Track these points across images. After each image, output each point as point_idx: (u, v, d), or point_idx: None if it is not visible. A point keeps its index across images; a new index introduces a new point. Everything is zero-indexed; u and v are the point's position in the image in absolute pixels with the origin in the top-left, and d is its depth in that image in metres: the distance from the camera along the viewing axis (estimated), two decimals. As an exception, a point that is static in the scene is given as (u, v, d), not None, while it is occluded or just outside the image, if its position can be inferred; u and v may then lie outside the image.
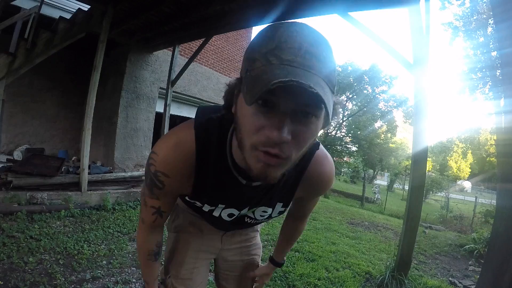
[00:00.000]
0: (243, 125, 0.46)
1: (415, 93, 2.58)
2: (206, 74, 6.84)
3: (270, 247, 3.26)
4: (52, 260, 2.19)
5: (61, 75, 5.83)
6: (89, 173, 3.86)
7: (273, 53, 0.42)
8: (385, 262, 3.04)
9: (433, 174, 19.14)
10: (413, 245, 2.63)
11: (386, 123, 17.91)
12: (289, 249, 1.02)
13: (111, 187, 4.18)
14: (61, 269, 2.08)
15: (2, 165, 3.91)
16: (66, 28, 3.92)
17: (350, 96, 16.25)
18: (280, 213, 0.78)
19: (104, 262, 2.32)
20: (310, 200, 0.85)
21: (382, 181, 24.68)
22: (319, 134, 0.53)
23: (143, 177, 4.22)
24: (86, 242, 2.60)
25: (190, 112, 6.81)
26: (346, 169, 19.61)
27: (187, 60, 5.32)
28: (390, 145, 19.37)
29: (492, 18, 6.58)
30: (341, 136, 16.36)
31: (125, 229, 3.10)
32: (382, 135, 18.42)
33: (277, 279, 2.47)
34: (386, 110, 16.63)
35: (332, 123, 0.52)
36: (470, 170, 29.81)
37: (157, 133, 5.90)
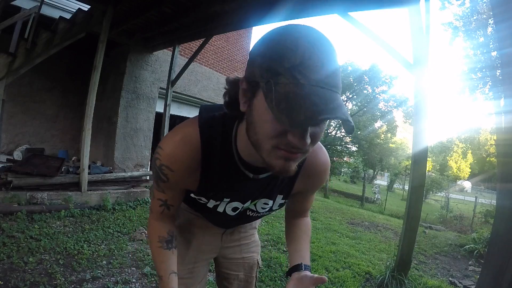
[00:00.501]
0: (262, 128, 0.48)
1: (415, 93, 2.58)
2: (206, 74, 6.84)
3: (270, 247, 3.26)
4: (52, 260, 2.19)
5: (61, 75, 5.83)
6: (89, 173, 3.87)
7: (298, 69, 0.43)
8: (385, 262, 3.04)
9: (433, 174, 19.13)
10: (413, 245, 2.63)
11: (386, 123, 17.90)
12: (308, 248, 0.88)
13: (111, 187, 4.18)
14: (61, 269, 2.08)
15: (2, 165, 3.91)
16: (66, 28, 3.92)
17: (350, 96, 16.25)
18: (281, 205, 0.80)
19: (104, 262, 2.32)
20: (307, 194, 0.85)
21: (382, 181, 24.68)
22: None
23: (143, 177, 4.21)
24: (86, 242, 2.60)
25: (190, 112, 6.81)
26: (346, 169, 19.60)
27: (187, 60, 5.32)
28: (390, 145, 19.36)
29: (492, 18, 6.58)
30: (341, 136, 16.34)
31: (125, 229, 3.10)
32: (382, 135, 18.41)
33: (277, 279, 2.47)
34: (386, 110, 16.62)
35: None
36: (470, 170, 29.83)
37: (157, 133, 5.90)
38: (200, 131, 0.63)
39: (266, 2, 3.26)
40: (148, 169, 5.77)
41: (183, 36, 4.71)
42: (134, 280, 2.15)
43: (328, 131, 15.82)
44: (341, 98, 0.46)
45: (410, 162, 2.83)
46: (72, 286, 1.93)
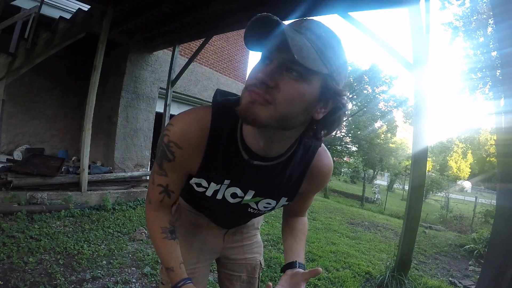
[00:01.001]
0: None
1: (415, 93, 2.58)
2: (206, 74, 6.84)
3: (270, 247, 3.26)
4: (52, 260, 2.19)
5: (61, 75, 5.83)
6: (89, 173, 3.87)
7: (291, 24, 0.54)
8: (385, 262, 3.04)
9: (433, 174, 19.13)
10: (413, 245, 2.63)
11: (386, 123, 17.89)
12: (304, 247, 0.89)
13: (111, 187, 4.18)
14: (61, 269, 2.08)
15: (2, 165, 3.91)
16: (66, 28, 3.92)
17: (350, 96, 16.22)
18: (284, 206, 0.81)
19: (104, 262, 2.32)
20: (309, 195, 0.86)
21: (382, 181, 24.68)
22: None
23: (143, 177, 4.19)
24: (86, 242, 2.60)
25: (190, 112, 6.80)
26: (346, 169, 19.58)
27: (187, 60, 5.32)
28: (390, 145, 19.36)
29: (492, 18, 6.58)
30: (341, 136, 16.32)
31: (125, 229, 3.10)
32: (382, 135, 18.41)
33: (277, 279, 2.47)
34: (386, 110, 16.61)
35: (341, 118, 0.58)
36: (470, 170, 29.82)
37: (157, 133, 5.89)
38: (212, 113, 0.65)
39: (266, 2, 3.27)
40: (148, 169, 5.77)
41: (183, 36, 4.71)
42: (134, 280, 2.15)
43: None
44: (312, 49, 0.49)
45: (410, 162, 2.83)
46: (72, 286, 1.93)
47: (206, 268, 1.01)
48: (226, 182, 0.71)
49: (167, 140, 0.65)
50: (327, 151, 0.76)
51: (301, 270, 0.75)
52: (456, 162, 28.51)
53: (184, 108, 6.79)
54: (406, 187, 10.33)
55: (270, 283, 0.68)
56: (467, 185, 29.24)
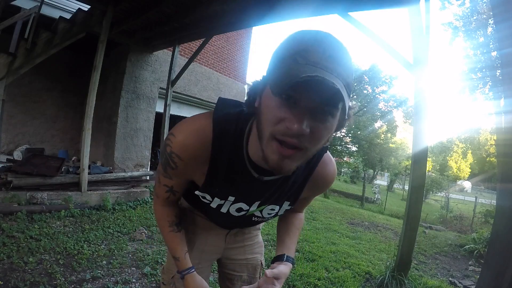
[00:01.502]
0: (265, 115, 0.50)
1: (415, 93, 2.58)
2: (206, 74, 6.84)
3: (270, 247, 3.26)
4: (52, 260, 2.19)
5: (61, 75, 5.83)
6: (89, 173, 3.86)
7: (300, 54, 0.46)
8: (385, 262, 3.04)
9: (433, 174, 19.11)
10: (413, 245, 2.63)
11: (386, 123, 17.88)
12: (296, 241, 0.91)
13: (111, 187, 4.18)
14: (61, 269, 2.08)
15: (2, 165, 3.90)
16: (66, 28, 3.93)
17: (350, 96, 16.21)
18: (286, 211, 0.81)
19: (104, 262, 2.32)
20: (310, 198, 0.87)
21: (382, 181, 24.66)
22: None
23: (143, 177, 4.18)
24: (86, 242, 2.60)
25: (190, 112, 6.80)
26: (346, 169, 19.58)
27: (187, 60, 5.32)
28: (390, 145, 19.33)
29: (492, 18, 6.58)
30: (341, 136, 16.32)
31: (125, 229, 3.10)
32: (382, 135, 18.39)
33: (277, 279, 2.47)
34: (386, 110, 16.60)
35: (345, 126, 0.56)
36: (470, 170, 29.80)
37: (157, 133, 5.90)
38: (213, 126, 0.64)
39: (266, 2, 3.26)
40: (148, 169, 5.77)
41: (183, 36, 4.71)
42: (134, 280, 2.15)
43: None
44: (342, 85, 0.45)
45: (410, 162, 2.83)
46: (72, 286, 1.93)
47: (207, 268, 1.01)
48: (231, 199, 0.73)
49: (169, 151, 0.66)
50: (332, 159, 0.76)
51: (277, 270, 0.73)
52: (456, 162, 28.49)
53: (184, 108, 6.81)
54: (406, 187, 10.33)
55: (267, 271, 0.69)
56: (467, 185, 29.23)
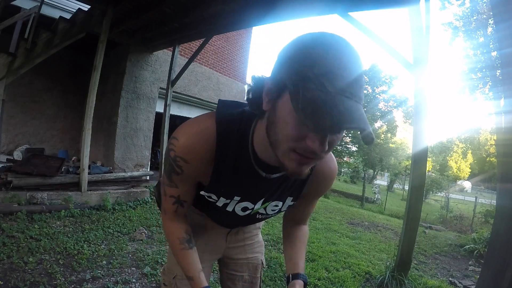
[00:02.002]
0: (283, 129, 0.50)
1: (415, 93, 2.58)
2: (206, 74, 6.84)
3: (270, 247, 3.26)
4: (52, 260, 2.19)
5: (61, 75, 5.84)
6: (89, 173, 3.87)
7: (326, 77, 0.45)
8: (385, 262, 3.04)
9: (433, 174, 19.13)
10: (413, 245, 2.63)
11: (386, 123, 17.91)
12: (303, 256, 0.90)
13: (111, 187, 4.18)
14: (61, 269, 2.08)
15: (2, 165, 3.91)
16: (66, 28, 3.93)
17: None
18: (289, 206, 0.81)
19: (104, 262, 2.32)
20: (311, 199, 0.86)
21: (382, 181, 24.65)
22: None
23: (143, 177, 4.17)
24: (86, 242, 2.60)
25: (190, 112, 6.81)
26: (346, 169, 19.60)
27: (187, 60, 5.31)
28: (390, 145, 19.35)
29: (492, 18, 6.58)
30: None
31: (125, 229, 3.10)
32: (382, 135, 18.41)
33: (277, 279, 2.47)
34: (386, 110, 16.64)
35: None
36: (470, 170, 29.82)
37: (157, 133, 5.90)
38: (216, 126, 0.63)
39: (266, 2, 3.26)
40: (148, 169, 5.77)
41: (183, 36, 4.71)
42: (134, 280, 2.15)
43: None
44: (362, 107, 0.47)
45: (410, 162, 2.83)
46: (72, 286, 1.93)
47: (208, 268, 1.00)
48: (236, 198, 0.73)
49: (174, 155, 0.65)
50: (332, 155, 0.76)
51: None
52: (456, 162, 28.50)
53: (184, 108, 6.81)
54: (406, 187, 10.33)
55: None
56: (467, 185, 29.23)
